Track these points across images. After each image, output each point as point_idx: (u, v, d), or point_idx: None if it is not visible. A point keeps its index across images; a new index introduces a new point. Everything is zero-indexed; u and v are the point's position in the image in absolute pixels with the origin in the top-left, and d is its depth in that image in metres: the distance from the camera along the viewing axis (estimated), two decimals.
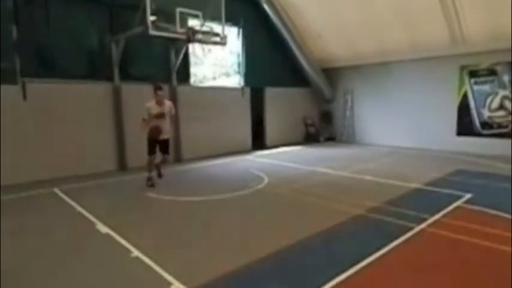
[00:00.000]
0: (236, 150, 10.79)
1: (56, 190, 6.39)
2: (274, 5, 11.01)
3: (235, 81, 11.03)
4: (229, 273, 3.17)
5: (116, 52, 7.83)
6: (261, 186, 6.45)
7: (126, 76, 8.29)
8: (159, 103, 6.26)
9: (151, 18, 6.47)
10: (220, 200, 5.63)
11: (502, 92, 9.08)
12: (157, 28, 6.48)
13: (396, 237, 3.85)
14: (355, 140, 12.51)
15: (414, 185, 6.16)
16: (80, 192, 6.29)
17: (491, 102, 9.31)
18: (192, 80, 9.80)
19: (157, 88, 6.22)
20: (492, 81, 9.22)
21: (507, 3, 7.93)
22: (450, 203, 5.04)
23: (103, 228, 4.37)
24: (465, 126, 9.81)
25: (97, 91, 7.92)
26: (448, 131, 10.10)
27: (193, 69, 9.81)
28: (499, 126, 9.21)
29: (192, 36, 6.85)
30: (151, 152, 6.40)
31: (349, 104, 12.59)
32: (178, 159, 9.33)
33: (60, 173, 7.40)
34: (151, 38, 6.97)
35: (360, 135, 12.40)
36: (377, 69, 11.54)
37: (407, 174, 7.18)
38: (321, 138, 12.86)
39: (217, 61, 10.60)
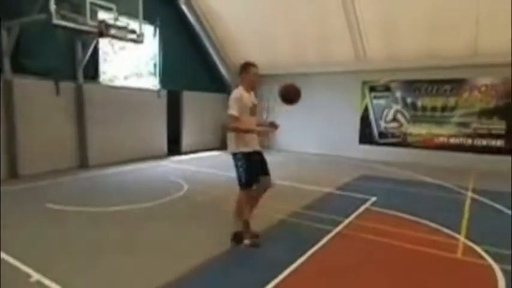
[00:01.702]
0: (150, 155, 10.18)
1: None
2: (193, 8, 10.80)
3: (150, 82, 10.43)
4: None
5: (7, 40, 6.70)
6: (180, 193, 6.16)
7: (19, 69, 7.15)
8: (249, 89, 4.07)
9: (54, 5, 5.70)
10: (137, 210, 5.19)
11: (395, 107, 10.39)
12: (63, 17, 5.72)
13: (316, 240, 4.02)
14: (273, 146, 12.92)
15: (327, 190, 6.58)
16: None
17: (386, 114, 10.57)
18: (101, 78, 8.94)
19: (250, 65, 4.16)
20: (387, 96, 10.49)
21: (403, 29, 9.13)
22: (359, 206, 5.49)
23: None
24: (366, 136, 10.94)
25: None
26: (352, 139, 11.14)
27: (103, 67, 8.96)
28: (393, 136, 10.51)
29: (105, 30, 6.24)
30: (251, 178, 3.86)
31: (267, 111, 12.98)
32: (84, 165, 8.38)
33: None
34: (55, 27, 6.12)
35: (277, 142, 12.86)
36: (295, 79, 11.78)
37: (320, 179, 7.65)
38: None
39: (130, 60, 9.87)
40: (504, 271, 3.34)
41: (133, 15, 7.69)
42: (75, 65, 8.05)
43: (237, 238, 3.86)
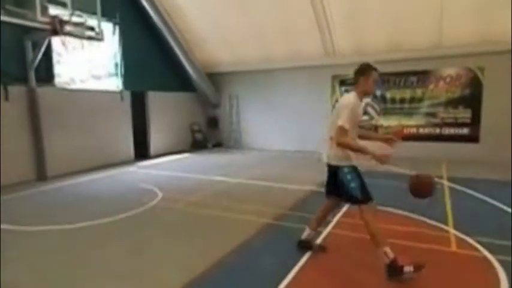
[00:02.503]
0: (116, 161, 9.53)
1: None
2: (154, 3, 10.20)
3: (111, 84, 9.74)
4: None
5: None
6: (154, 202, 5.70)
7: None
8: (362, 97, 3.53)
9: None
10: (108, 224, 4.69)
11: (365, 100, 10.43)
12: (9, 13, 5.05)
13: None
14: (242, 145, 12.63)
15: (308, 188, 6.40)
16: None
17: None
18: (56, 81, 8.17)
19: (372, 68, 3.61)
20: None
21: (369, 23, 9.16)
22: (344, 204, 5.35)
23: None
24: None
25: None
26: (324, 134, 11.05)
27: (57, 69, 8.18)
28: (364, 128, 10.56)
29: (59, 27, 5.61)
30: (367, 189, 3.28)
31: (235, 109, 12.66)
32: (42, 177, 7.62)
33: None
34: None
35: (247, 140, 12.58)
36: (261, 76, 11.91)
37: (298, 177, 7.48)
38: (209, 145, 12.56)
39: (87, 61, 9.10)
40: (501, 262, 3.29)
41: (90, 10, 7.06)
42: (26, 67, 7.25)
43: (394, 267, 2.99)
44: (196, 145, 12.44)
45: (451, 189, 6.12)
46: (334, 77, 10.87)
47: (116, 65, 9.77)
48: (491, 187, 6.14)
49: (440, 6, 8.29)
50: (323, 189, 6.31)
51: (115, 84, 9.75)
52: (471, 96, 9.15)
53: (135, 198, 5.93)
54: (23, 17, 5.30)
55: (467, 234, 3.96)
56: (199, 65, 12.03)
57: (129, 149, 10.16)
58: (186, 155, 11.24)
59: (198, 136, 12.61)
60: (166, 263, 3.51)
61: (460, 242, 3.82)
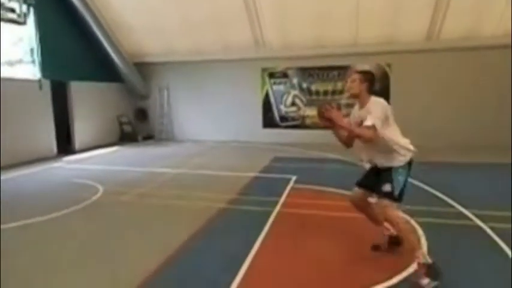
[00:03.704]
0: (36, 157, 8.69)
1: None
2: None
3: (27, 71, 8.79)
4: None
5: None
6: (97, 196, 5.50)
7: None
8: None
9: None
10: (51, 221, 4.44)
11: (293, 92, 11.25)
12: None
13: (264, 223, 4.19)
14: (174, 137, 12.49)
15: (252, 174, 6.79)
16: None
17: (286, 99, 11.35)
18: None
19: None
20: (285, 82, 11.25)
21: (296, 19, 9.84)
22: (285, 186, 5.87)
23: None
24: (268, 120, 11.57)
25: None
26: (256, 124, 11.62)
27: None
28: (293, 119, 11.39)
29: None
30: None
31: (166, 100, 12.43)
32: None
33: None
34: None
35: (179, 132, 12.47)
36: (193, 67, 11.88)
37: (240, 165, 7.83)
38: (139, 137, 12.13)
39: None
40: (419, 223, 4.10)
41: None
42: None
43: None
44: (125, 138, 11.93)
45: None
46: (263, 70, 11.41)
47: (32, 50, 8.85)
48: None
49: (357, 7, 9.33)
50: (264, 175, 6.78)
51: (31, 72, 8.83)
52: (381, 90, 10.50)
53: (73, 194, 5.64)
54: None
55: None
56: (126, 54, 11.50)
57: (51, 143, 9.34)
58: (115, 148, 10.73)
59: (127, 128, 12.09)
60: (131, 252, 3.55)
61: None
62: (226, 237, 3.85)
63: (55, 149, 9.43)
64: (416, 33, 9.60)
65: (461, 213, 4.44)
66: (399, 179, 3.04)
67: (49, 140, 9.28)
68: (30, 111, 8.72)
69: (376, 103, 3.11)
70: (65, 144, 9.93)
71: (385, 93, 10.46)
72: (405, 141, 3.12)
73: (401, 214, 3.21)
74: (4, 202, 5.31)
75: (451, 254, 3.31)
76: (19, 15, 5.88)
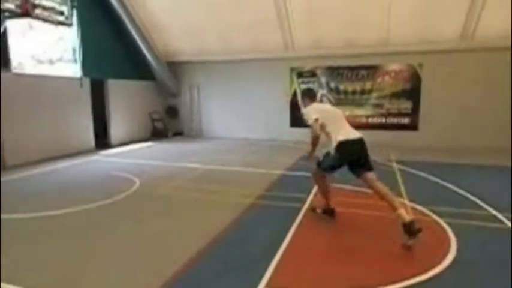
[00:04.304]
0: (76, 150, 9.26)
1: None
2: None
3: (69, 70, 9.37)
4: None
5: None
6: (135, 187, 5.85)
7: None
8: None
9: None
10: (96, 209, 4.80)
11: (321, 91, 11.28)
12: None
13: (294, 217, 4.35)
14: (202, 134, 12.85)
15: (279, 172, 6.96)
16: None
17: None
18: (13, 65, 7.71)
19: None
20: (314, 81, 11.31)
21: (326, 19, 9.88)
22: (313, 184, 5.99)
23: None
24: (295, 119, 11.65)
25: None
26: (283, 122, 11.76)
27: (12, 53, 7.72)
28: None
29: (31, 10, 5.41)
30: None
31: (196, 98, 12.80)
32: (1, 167, 7.25)
33: None
34: None
35: (207, 129, 12.82)
36: (222, 66, 12.17)
37: (267, 162, 8.01)
38: (170, 134, 12.58)
39: (37, 45, 8.64)
40: (447, 223, 4.12)
41: None
42: None
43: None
44: (157, 134, 12.40)
45: (400, 170, 7.08)
46: (292, 69, 11.52)
47: (74, 50, 9.41)
48: (430, 167, 7.21)
49: (389, 7, 9.26)
50: (292, 172, 6.93)
51: (73, 70, 9.40)
52: (411, 90, 10.38)
53: (113, 185, 6.02)
54: None
55: (419, 204, 4.80)
56: (160, 54, 11.95)
57: (90, 137, 9.90)
58: (148, 143, 11.20)
59: (159, 125, 12.56)
60: (170, 241, 3.82)
61: (414, 211, 4.62)
62: (258, 229, 4.04)
63: (93, 143, 9.99)
64: (449, 32, 9.40)
65: (493, 216, 4.42)
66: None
67: (88, 135, 9.84)
68: (72, 107, 9.29)
69: (305, 112, 4.34)
70: (102, 139, 10.49)
71: (415, 94, 10.34)
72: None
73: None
74: (53, 191, 5.77)
75: (482, 256, 3.35)
76: (67, 18, 6.29)
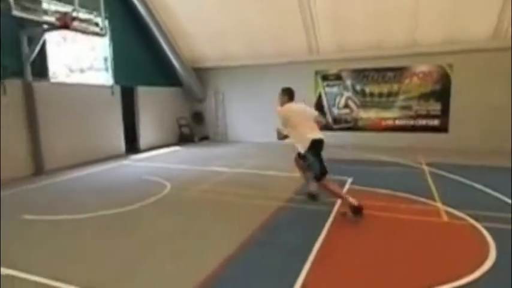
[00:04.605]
0: (108, 155, 9.61)
1: None
2: None
3: (101, 78, 9.76)
4: None
5: None
6: (166, 191, 6.02)
7: None
8: None
9: None
10: (133, 211, 4.99)
11: (346, 94, 11.20)
12: (22, 8, 5.13)
13: (324, 220, 4.36)
14: (227, 138, 13.01)
15: None
16: None
17: (339, 101, 11.35)
18: (50, 74, 8.14)
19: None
20: (339, 84, 11.25)
21: (351, 21, 9.83)
22: (342, 187, 5.94)
23: None
24: None
25: None
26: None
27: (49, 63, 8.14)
28: (345, 121, 11.35)
29: (70, 23, 5.72)
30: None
31: (221, 103, 13.00)
32: (39, 171, 7.63)
33: None
34: (13, 19, 5.45)
35: (233, 133, 12.98)
36: (247, 70, 12.31)
37: (294, 166, 8.00)
38: (196, 139, 12.82)
39: (72, 54, 9.07)
40: (485, 227, 4.00)
41: (86, 6, 7.13)
42: (22, 61, 7.21)
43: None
44: (183, 139, 12.67)
45: (431, 173, 6.91)
46: (317, 72, 11.50)
47: (105, 59, 9.81)
48: (462, 170, 7.00)
49: (416, 7, 9.10)
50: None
51: (105, 78, 9.79)
52: (441, 91, 10.13)
53: (145, 188, 6.21)
54: (34, 12, 5.37)
55: (454, 208, 4.68)
56: (186, 60, 12.24)
57: (120, 143, 10.25)
58: (175, 148, 11.46)
59: (185, 130, 12.83)
60: (203, 242, 3.92)
61: (449, 214, 4.52)
62: (289, 232, 4.08)
63: (123, 148, 10.34)
64: (481, 31, 9.12)
65: None
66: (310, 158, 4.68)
67: (119, 140, 10.19)
68: (104, 114, 9.66)
69: (279, 111, 4.89)
70: (131, 144, 10.83)
71: (445, 95, 10.09)
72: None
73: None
74: (91, 194, 6.04)
75: None
76: (101, 29, 6.59)
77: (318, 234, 3.90)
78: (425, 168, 7.34)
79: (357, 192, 5.66)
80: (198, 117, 13.37)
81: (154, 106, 11.65)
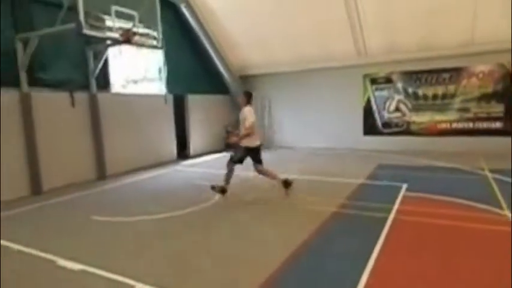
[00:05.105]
0: (162, 161, 10.12)
1: None
2: (193, 10, 10.78)
3: (155, 88, 10.33)
4: None
5: (23, 53, 6.49)
6: (218, 196, 6.20)
7: (35, 82, 6.94)
8: None
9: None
10: (191, 214, 5.22)
11: (397, 97, 10.82)
12: (91, 27, 5.63)
13: (381, 227, 4.24)
14: (273, 144, 13.10)
15: (358, 181, 6.81)
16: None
17: (389, 105, 10.98)
18: (112, 86, 8.79)
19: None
20: (389, 88, 10.90)
21: (401, 22, 9.52)
22: (397, 193, 5.76)
23: (71, 264, 3.57)
24: (370, 126, 11.33)
25: None
26: (357, 131, 11.48)
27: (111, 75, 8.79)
28: (396, 125, 10.94)
29: (131, 37, 6.18)
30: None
31: (267, 109, 13.14)
32: (102, 176, 8.22)
33: None
34: (82, 37, 6.02)
35: (279, 139, 13.04)
36: (293, 76, 12.36)
37: (343, 171, 7.89)
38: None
39: (129, 66, 9.69)
40: None
41: (144, 21, 7.62)
42: (88, 75, 7.88)
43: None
44: (230, 145, 12.93)
45: (495, 179, 6.45)
46: (365, 76, 11.25)
47: (160, 69, 10.37)
48: None
49: (473, 4, 8.60)
50: (371, 181, 6.77)
51: (159, 88, 10.35)
52: (503, 91, 9.43)
53: (199, 193, 6.45)
54: (101, 29, 5.87)
55: None
56: (233, 68, 12.57)
57: (173, 149, 10.75)
58: (223, 154, 11.75)
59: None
60: (257, 246, 4.00)
61: None
62: (345, 238, 4.03)
63: (175, 154, 10.82)
64: None
65: None
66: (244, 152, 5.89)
67: (171, 147, 10.69)
68: (158, 122, 10.20)
69: (246, 111, 5.88)
70: (182, 150, 11.30)
71: (509, 95, 9.38)
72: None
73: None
74: (151, 197, 6.41)
75: None
76: (158, 42, 7.02)
77: (375, 242, 3.81)
78: (489, 174, 6.86)
79: (413, 199, 5.47)
80: None
81: (204, 113, 12.08)
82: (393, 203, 5.22)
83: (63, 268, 3.52)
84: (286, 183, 5.83)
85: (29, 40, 6.30)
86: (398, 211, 4.88)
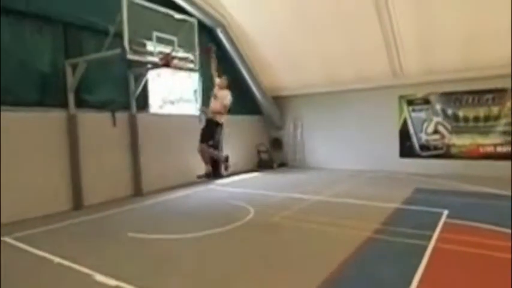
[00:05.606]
0: (195, 180, 10.27)
1: (7, 238, 5.24)
2: (228, 34, 11.15)
3: (190, 108, 10.69)
4: None
5: (72, 76, 6.98)
6: (250, 216, 6.20)
7: (81, 103, 7.42)
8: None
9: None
10: (224, 233, 5.24)
11: (436, 119, 10.43)
12: (134, 52, 5.99)
13: (420, 256, 4.02)
14: (306, 164, 12.97)
15: (394, 205, 6.55)
16: (42, 238, 5.26)
17: (427, 127, 10.60)
18: (150, 107, 9.21)
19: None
20: (427, 109, 10.55)
21: (439, 42, 9.29)
22: (437, 220, 5.46)
23: (106, 280, 3.68)
24: (406, 149, 10.95)
25: (48, 119, 6.88)
26: (392, 153, 11.14)
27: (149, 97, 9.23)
28: (435, 148, 10.50)
29: (170, 61, 6.50)
30: None
31: (299, 130, 13.12)
32: (139, 193, 8.49)
33: (3, 219, 6.10)
34: (126, 62, 6.42)
35: (311, 160, 12.92)
36: (325, 98, 12.32)
37: (379, 194, 7.63)
38: (275, 165, 13.05)
39: (165, 88, 10.13)
40: None
41: (183, 45, 7.99)
42: (129, 96, 8.31)
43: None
44: (262, 165, 12.99)
45: None
46: (401, 97, 10.99)
47: (195, 91, 10.74)
48: None
49: None
50: (408, 206, 6.49)
51: (194, 108, 10.69)
52: None
53: (231, 212, 6.49)
54: (143, 54, 6.23)
55: None
56: (266, 89, 12.74)
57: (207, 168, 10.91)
58: (255, 174, 11.79)
59: (264, 156, 13.18)
60: (288, 271, 3.92)
61: None
62: (380, 267, 3.85)
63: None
64: None
65: None
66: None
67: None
68: (191, 141, 10.43)
69: (227, 93, 7.08)
70: (215, 170, 11.45)
71: None
72: None
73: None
74: (186, 215, 6.53)
75: None
76: (195, 64, 7.31)
77: (415, 272, 3.61)
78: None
79: (455, 226, 5.17)
80: (276, 144, 13.66)
81: (236, 133, 12.24)
82: (433, 230, 4.95)
83: (99, 283, 3.63)
84: (207, 176, 7.12)
85: (78, 64, 6.78)
86: (439, 239, 4.62)
